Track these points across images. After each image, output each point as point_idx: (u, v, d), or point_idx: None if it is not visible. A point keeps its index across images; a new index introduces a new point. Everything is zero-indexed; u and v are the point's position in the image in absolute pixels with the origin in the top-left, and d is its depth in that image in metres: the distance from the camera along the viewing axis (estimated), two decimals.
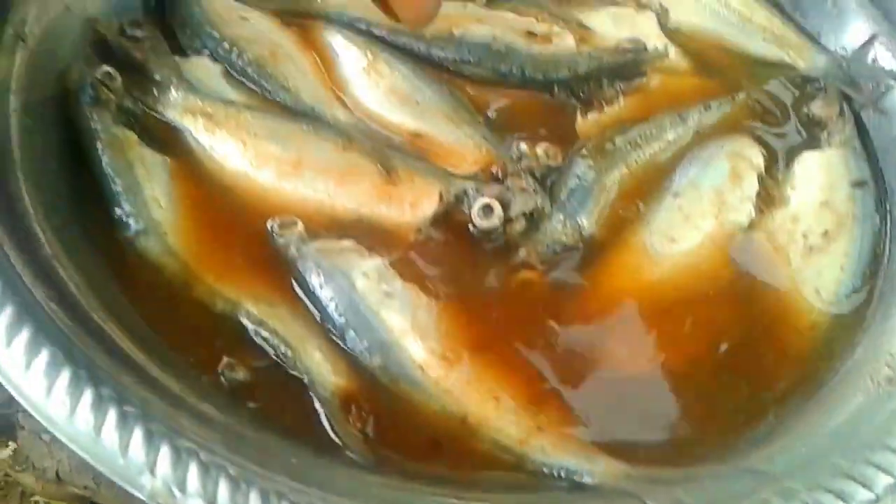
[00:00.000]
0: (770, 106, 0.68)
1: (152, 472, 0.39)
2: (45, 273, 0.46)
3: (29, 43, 0.57)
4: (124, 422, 0.40)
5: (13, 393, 0.41)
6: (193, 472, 0.39)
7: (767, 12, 0.73)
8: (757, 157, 0.63)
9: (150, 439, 0.40)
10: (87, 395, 0.40)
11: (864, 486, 0.43)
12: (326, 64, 0.66)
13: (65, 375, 0.41)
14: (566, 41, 0.67)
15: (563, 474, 0.47)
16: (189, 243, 0.54)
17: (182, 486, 0.39)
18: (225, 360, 0.49)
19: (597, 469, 0.47)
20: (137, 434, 0.40)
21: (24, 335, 0.42)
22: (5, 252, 0.45)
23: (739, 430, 0.50)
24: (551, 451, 0.48)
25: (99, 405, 0.40)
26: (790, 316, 0.56)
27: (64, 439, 0.40)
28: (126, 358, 0.45)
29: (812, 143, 0.66)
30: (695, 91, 0.68)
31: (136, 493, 0.39)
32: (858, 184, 0.62)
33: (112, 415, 0.40)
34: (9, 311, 0.42)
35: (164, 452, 0.39)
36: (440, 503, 0.44)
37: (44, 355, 0.41)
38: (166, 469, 0.39)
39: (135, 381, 0.43)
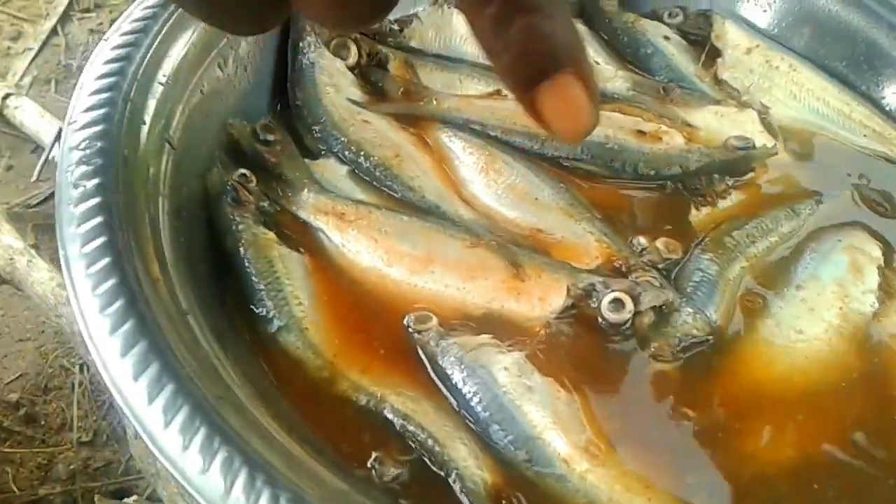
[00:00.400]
0: (879, 198, 0.69)
1: None
2: (210, 374, 0.48)
3: (175, 146, 0.60)
4: None
5: (192, 492, 0.42)
6: None
7: (866, 109, 0.75)
8: (875, 249, 0.64)
9: None
10: (266, 495, 0.41)
11: None
12: (446, 164, 0.68)
13: (242, 476, 0.42)
14: (675, 139, 0.70)
15: None
16: (330, 339, 0.56)
17: None
18: (374, 454, 0.50)
19: None
20: None
21: (200, 435, 0.43)
22: (174, 350, 0.47)
23: None
24: None
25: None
26: None
27: None
28: (293, 457, 0.46)
29: None
30: (802, 185, 0.70)
31: None
32: None
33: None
34: (185, 410, 0.43)
35: None
36: None
37: (219, 456, 0.42)
38: None
39: (306, 479, 0.44)
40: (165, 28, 0.61)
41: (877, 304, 0.60)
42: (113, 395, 0.45)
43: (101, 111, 0.56)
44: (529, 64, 0.27)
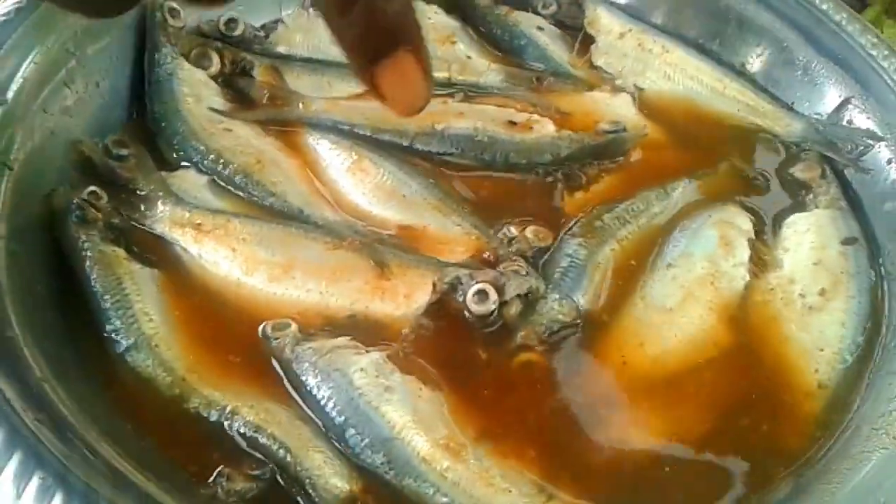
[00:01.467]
0: (753, 173, 0.69)
1: None
2: (36, 397, 0.45)
3: (15, 169, 0.57)
4: None
5: None
6: None
7: (739, 85, 0.75)
8: (745, 223, 0.63)
9: None
10: None
11: None
12: (312, 167, 0.66)
13: (57, 500, 0.39)
14: (546, 127, 0.69)
15: None
16: (182, 354, 0.53)
17: None
18: (219, 469, 0.47)
19: None
20: None
21: (14, 461, 0.40)
22: None
23: (759, 494, 0.49)
24: None
25: None
26: (796, 376, 0.55)
27: None
28: (122, 477, 0.43)
29: (798, 205, 0.67)
30: (676, 163, 0.69)
31: None
32: (849, 241, 0.62)
33: None
34: None
35: None
36: None
37: (34, 482, 0.40)
38: None
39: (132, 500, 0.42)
40: (3, 49, 0.59)
41: (748, 277, 0.60)
42: None
43: None
44: (370, 41, 0.30)
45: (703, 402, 0.54)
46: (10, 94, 0.58)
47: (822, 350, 0.56)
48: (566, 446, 0.52)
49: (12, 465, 0.40)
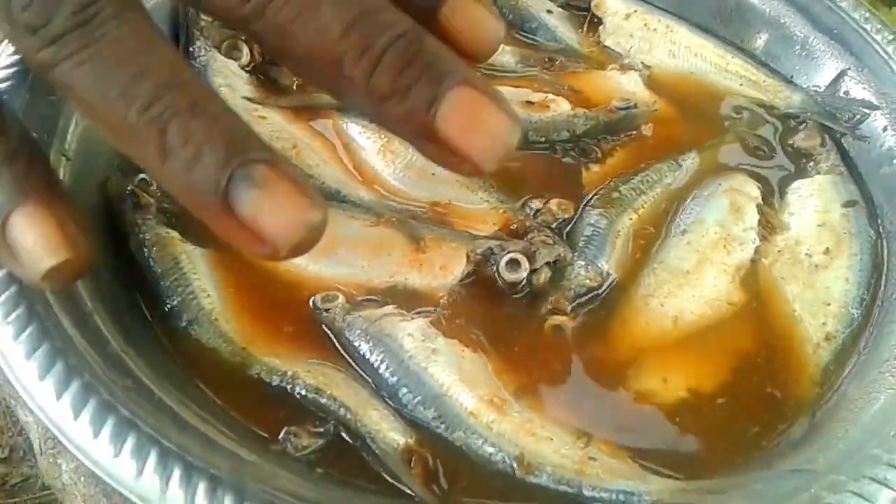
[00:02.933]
0: (757, 143, 0.73)
1: None
2: (119, 366, 0.49)
3: (72, 158, 0.61)
4: (214, 492, 0.43)
5: (107, 479, 0.43)
6: None
7: (741, 60, 0.79)
8: (753, 189, 0.67)
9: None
10: (176, 472, 0.43)
11: None
12: (345, 151, 0.70)
13: (153, 457, 0.43)
14: (562, 106, 0.73)
15: (621, 497, 0.50)
16: (240, 327, 0.58)
17: None
18: (286, 428, 0.52)
19: (652, 488, 0.50)
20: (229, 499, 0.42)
21: (110, 423, 0.45)
22: (80, 350, 0.48)
23: (776, 438, 0.53)
24: (606, 477, 0.51)
25: (189, 480, 0.43)
26: (805, 329, 0.60)
27: None
28: (207, 438, 0.47)
29: (801, 172, 0.71)
30: (685, 136, 0.74)
31: None
32: (850, 204, 0.67)
33: (202, 486, 0.43)
34: (93, 403, 0.45)
35: None
36: None
37: (130, 442, 0.44)
38: None
39: (218, 455, 0.46)
40: None
41: (757, 240, 0.64)
42: (23, 401, 0.46)
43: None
44: (407, 88, 0.24)
45: (720, 357, 0.59)
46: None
47: (828, 304, 0.61)
48: (598, 399, 0.56)
49: (107, 428, 0.44)
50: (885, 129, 0.71)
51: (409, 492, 0.50)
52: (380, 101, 0.25)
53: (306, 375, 0.55)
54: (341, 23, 0.25)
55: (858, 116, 0.73)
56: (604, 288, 0.61)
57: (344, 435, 0.53)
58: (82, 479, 0.79)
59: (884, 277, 0.63)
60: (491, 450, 0.52)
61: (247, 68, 0.75)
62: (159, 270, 0.59)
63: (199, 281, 0.59)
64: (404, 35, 0.25)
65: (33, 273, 0.27)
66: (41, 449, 0.79)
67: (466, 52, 0.27)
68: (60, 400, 0.44)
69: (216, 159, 0.24)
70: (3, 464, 0.90)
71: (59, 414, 0.44)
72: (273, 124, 0.71)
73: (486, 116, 0.25)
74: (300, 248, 0.26)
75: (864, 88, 0.74)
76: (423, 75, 0.24)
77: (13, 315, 0.47)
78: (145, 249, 0.60)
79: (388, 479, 0.51)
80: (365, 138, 0.71)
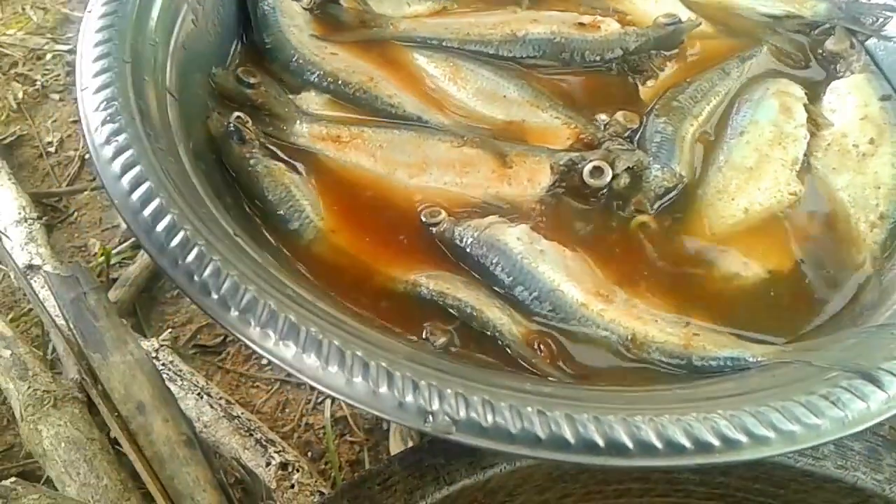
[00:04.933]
0: (792, 50, 0.79)
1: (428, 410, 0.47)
2: (268, 280, 0.54)
3: (177, 96, 0.65)
4: (391, 381, 0.48)
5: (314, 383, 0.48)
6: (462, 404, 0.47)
7: None
8: (798, 91, 0.74)
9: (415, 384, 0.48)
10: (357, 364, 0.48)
11: None
12: (416, 80, 0.75)
13: (334, 348, 0.49)
14: (612, 26, 0.78)
15: (727, 363, 0.56)
16: (357, 243, 0.63)
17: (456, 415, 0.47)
18: (427, 325, 0.58)
19: (755, 352, 0.56)
20: (404, 381, 0.48)
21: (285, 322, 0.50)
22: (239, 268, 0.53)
23: (853, 303, 0.61)
24: (712, 348, 0.57)
25: (367, 368, 0.48)
26: (860, 211, 0.67)
27: (345, 399, 0.48)
28: (360, 332, 0.53)
29: (835, 74, 0.77)
30: (727, 49, 0.79)
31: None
32: (886, 97, 0.73)
33: (384, 373, 0.48)
34: (271, 304, 0.50)
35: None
36: (643, 395, 0.53)
37: (302, 334, 0.49)
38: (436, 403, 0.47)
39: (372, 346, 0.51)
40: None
41: (808, 136, 0.71)
42: None
43: (107, 74, 0.60)
44: None
45: (790, 240, 0.65)
46: (153, 37, 0.66)
47: (878, 188, 0.67)
48: (689, 284, 0.63)
49: (283, 324, 0.49)
50: None
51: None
52: None
53: (427, 282, 0.60)
54: None
55: (882, 19, 0.79)
56: (679, 187, 0.67)
57: (472, 327, 0.58)
58: (63, 444, 0.83)
59: None
60: (605, 333, 0.58)
61: (309, 9, 0.78)
62: (274, 199, 0.64)
63: (311, 205, 0.64)
64: None
65: None
66: (22, 415, 0.83)
67: None
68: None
69: None
70: None
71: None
72: (346, 59, 0.75)
73: None
74: None
75: None
76: None
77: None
78: (258, 180, 0.64)
79: (520, 363, 0.57)
80: (433, 66, 0.75)
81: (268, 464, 0.88)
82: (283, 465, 0.88)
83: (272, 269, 0.56)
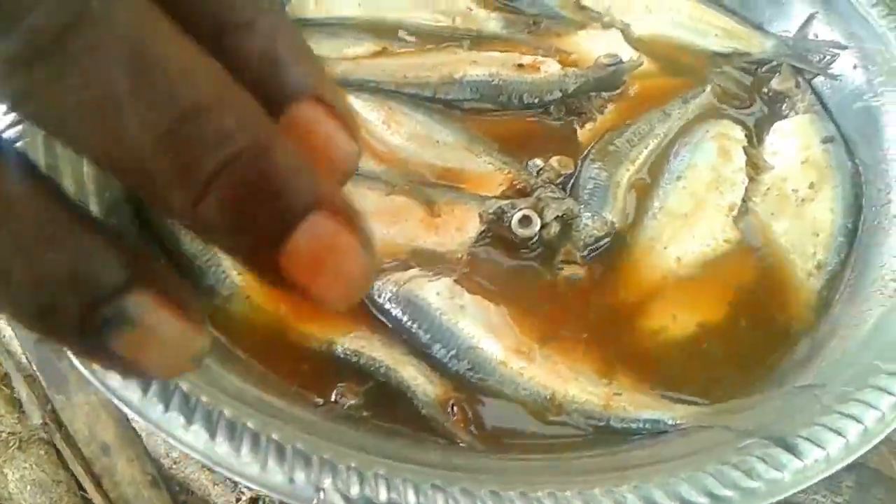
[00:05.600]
0: (736, 89, 0.78)
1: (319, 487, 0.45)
2: None
3: None
4: (282, 455, 0.46)
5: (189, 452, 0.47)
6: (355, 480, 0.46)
7: (715, 11, 0.83)
8: (738, 133, 0.72)
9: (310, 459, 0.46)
10: (247, 437, 0.47)
11: None
12: None
13: (223, 421, 0.47)
14: (552, 67, 0.76)
15: (647, 426, 0.55)
16: (272, 300, 0.61)
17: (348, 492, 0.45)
18: (339, 387, 0.56)
19: (676, 414, 0.54)
20: (294, 455, 0.46)
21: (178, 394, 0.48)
22: None
23: (782, 359, 0.59)
24: (632, 409, 0.55)
25: (257, 442, 0.47)
26: (798, 259, 0.65)
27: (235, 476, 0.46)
28: (259, 400, 0.51)
29: (779, 114, 0.76)
30: (670, 89, 0.78)
31: None
32: (828, 139, 0.72)
33: (273, 447, 0.47)
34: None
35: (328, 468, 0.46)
36: (549, 465, 0.51)
37: (200, 409, 0.48)
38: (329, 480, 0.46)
39: (272, 414, 0.50)
40: None
41: (746, 180, 0.69)
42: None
43: (17, 128, 0.59)
44: (246, 224, 0.19)
45: (723, 290, 0.63)
46: None
47: (817, 234, 0.66)
48: (615, 339, 0.61)
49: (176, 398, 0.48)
50: (854, 67, 0.76)
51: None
52: (207, 231, 0.19)
53: (344, 340, 0.59)
54: (151, 133, 0.17)
55: (829, 57, 0.77)
56: (610, 236, 0.65)
57: (387, 387, 0.57)
58: (28, 487, 0.82)
59: (864, 205, 0.68)
60: (524, 393, 0.57)
61: None
62: (192, 251, 0.62)
63: (229, 259, 0.63)
64: (243, 152, 0.18)
65: (183, 356, 0.19)
66: None
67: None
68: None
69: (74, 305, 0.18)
70: None
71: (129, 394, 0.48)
72: None
73: (341, 257, 0.20)
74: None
75: (833, 30, 0.78)
76: (269, 205, 0.18)
77: None
78: (175, 234, 0.63)
79: (431, 426, 0.55)
80: (370, 110, 0.74)
81: (238, 500, 0.87)
82: (254, 500, 0.87)
83: None
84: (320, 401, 0.55)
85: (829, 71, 0.77)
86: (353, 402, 0.56)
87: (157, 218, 0.63)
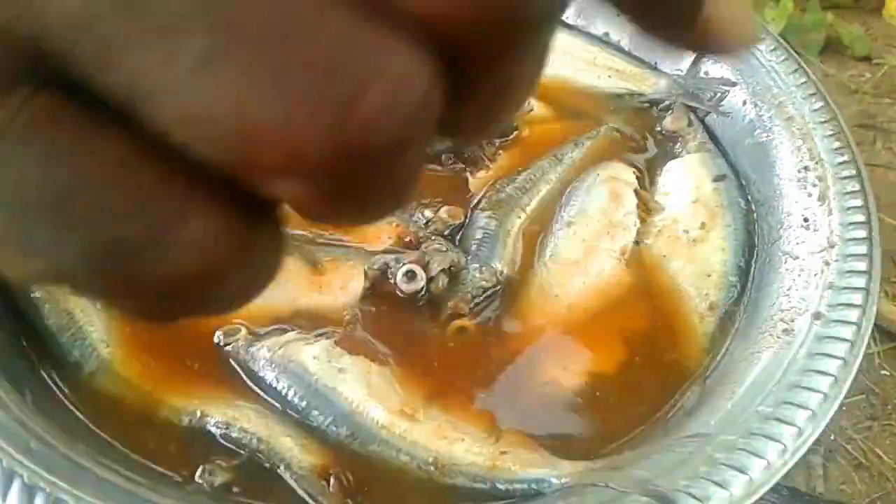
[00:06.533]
0: (629, 131, 0.77)
1: None
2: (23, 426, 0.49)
3: None
4: None
5: None
6: None
7: (608, 53, 0.82)
8: (629, 175, 0.71)
9: None
10: None
11: (787, 423, 0.49)
12: None
13: None
14: None
15: (533, 486, 0.52)
16: (142, 372, 0.58)
17: None
18: (201, 467, 0.52)
19: (562, 472, 0.52)
20: None
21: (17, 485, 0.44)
22: None
23: (672, 408, 0.57)
24: (518, 468, 0.53)
25: None
26: (690, 302, 0.63)
27: None
28: (117, 486, 0.48)
29: (671, 154, 0.75)
30: (563, 133, 0.77)
31: None
32: (720, 178, 0.71)
33: None
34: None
35: None
36: None
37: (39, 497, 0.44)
38: None
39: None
40: None
41: (638, 223, 0.67)
42: None
43: None
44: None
45: (614, 337, 0.61)
46: None
47: (709, 275, 0.64)
48: (505, 394, 0.58)
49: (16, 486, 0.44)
50: (744, 104, 0.75)
51: None
52: None
53: (215, 412, 0.55)
54: None
55: (719, 94, 0.77)
56: (499, 286, 0.63)
57: (260, 462, 0.53)
58: None
59: (757, 244, 0.67)
60: (406, 458, 0.54)
61: None
62: (55, 327, 0.59)
63: (97, 332, 0.59)
64: None
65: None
66: None
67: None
68: None
69: None
70: None
71: None
72: None
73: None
74: None
75: (722, 67, 0.78)
76: None
77: None
78: (38, 306, 0.59)
79: (308, 501, 0.52)
80: None
81: None
82: None
83: (28, 416, 0.51)
84: (179, 479, 0.51)
85: (721, 108, 0.76)
86: (222, 478, 0.52)
87: (14, 290, 0.60)
